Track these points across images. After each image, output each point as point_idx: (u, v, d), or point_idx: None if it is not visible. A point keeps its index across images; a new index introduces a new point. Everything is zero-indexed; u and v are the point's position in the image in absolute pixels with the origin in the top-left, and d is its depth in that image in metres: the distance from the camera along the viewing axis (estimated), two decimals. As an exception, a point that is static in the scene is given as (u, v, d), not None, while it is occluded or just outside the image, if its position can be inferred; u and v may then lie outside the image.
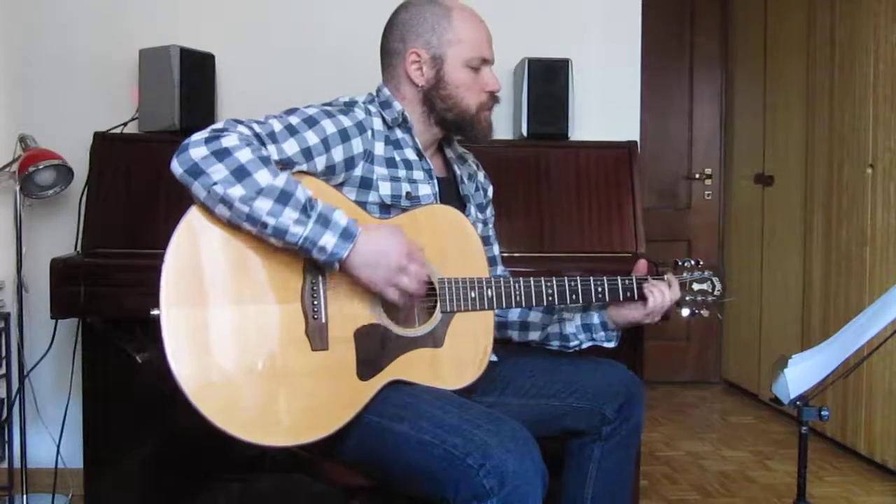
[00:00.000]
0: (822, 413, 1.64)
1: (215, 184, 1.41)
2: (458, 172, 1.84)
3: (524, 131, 2.67)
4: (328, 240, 1.44)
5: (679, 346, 4.66)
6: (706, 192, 4.68)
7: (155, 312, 1.41)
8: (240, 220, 1.44)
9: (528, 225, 2.55)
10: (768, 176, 4.13)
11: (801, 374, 1.66)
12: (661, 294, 1.73)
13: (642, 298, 1.75)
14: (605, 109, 2.88)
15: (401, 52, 1.71)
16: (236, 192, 1.41)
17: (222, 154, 1.42)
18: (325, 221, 1.44)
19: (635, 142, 2.71)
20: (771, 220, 4.14)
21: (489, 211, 1.95)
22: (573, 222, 2.57)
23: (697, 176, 4.66)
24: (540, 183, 2.59)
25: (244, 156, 1.43)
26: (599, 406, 1.73)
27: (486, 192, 1.94)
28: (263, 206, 1.41)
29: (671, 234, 4.58)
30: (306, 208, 1.44)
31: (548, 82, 2.65)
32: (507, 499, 1.36)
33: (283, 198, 1.42)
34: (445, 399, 1.53)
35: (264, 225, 1.42)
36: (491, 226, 1.95)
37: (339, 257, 1.45)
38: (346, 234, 1.45)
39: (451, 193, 1.79)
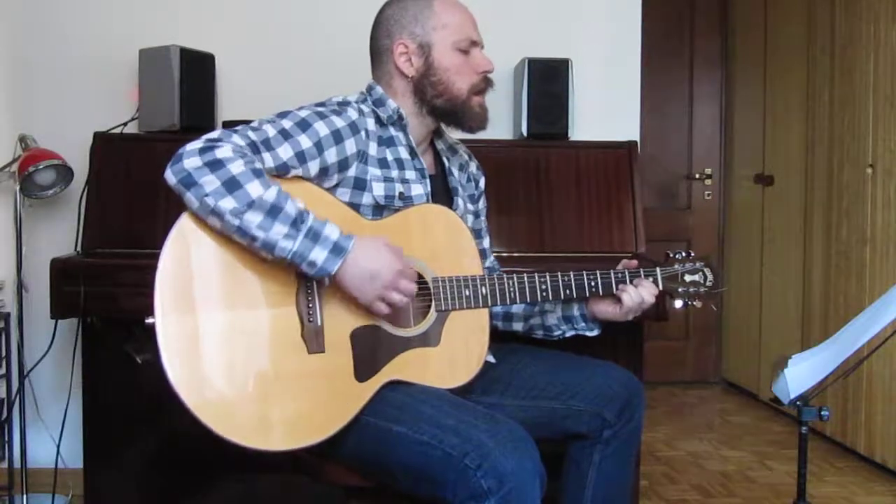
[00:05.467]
0: (822, 413, 1.64)
1: (207, 195, 1.41)
2: (447, 164, 1.84)
3: (524, 131, 2.67)
4: (318, 255, 1.44)
5: (679, 347, 4.66)
6: (706, 192, 4.68)
7: (150, 321, 1.41)
8: (230, 232, 1.44)
9: (528, 225, 2.55)
10: (768, 176, 4.13)
11: (801, 374, 1.65)
12: (636, 293, 1.71)
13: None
14: (605, 109, 2.87)
15: (388, 47, 1.72)
16: (227, 204, 1.41)
17: (215, 165, 1.42)
18: (315, 236, 1.44)
19: (635, 142, 2.71)
20: (771, 220, 4.13)
21: (481, 203, 1.95)
22: (573, 222, 2.57)
23: (697, 176, 4.66)
24: (540, 183, 2.59)
25: (236, 168, 1.42)
26: (600, 409, 1.72)
27: (477, 183, 1.94)
28: (254, 219, 1.41)
29: (671, 234, 4.58)
30: (296, 222, 1.43)
31: (548, 82, 2.65)
32: (506, 499, 1.36)
33: (273, 211, 1.42)
34: (443, 399, 1.53)
35: (254, 238, 1.42)
36: (483, 218, 1.95)
37: (329, 273, 1.45)
38: (337, 249, 1.45)
39: (440, 187, 1.79)
